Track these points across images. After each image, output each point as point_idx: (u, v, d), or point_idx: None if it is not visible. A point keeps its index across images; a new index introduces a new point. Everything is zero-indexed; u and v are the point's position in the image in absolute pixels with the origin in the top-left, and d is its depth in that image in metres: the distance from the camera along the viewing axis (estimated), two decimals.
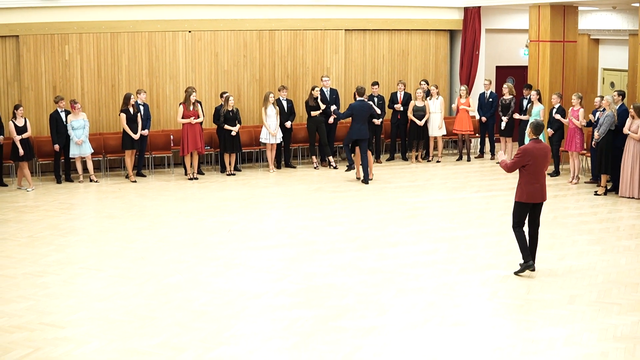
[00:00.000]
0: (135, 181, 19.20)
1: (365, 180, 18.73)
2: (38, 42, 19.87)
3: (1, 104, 19.50)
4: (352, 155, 19.16)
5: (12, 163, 19.04)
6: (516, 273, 11.60)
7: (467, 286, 11.06)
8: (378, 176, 19.46)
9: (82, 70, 20.32)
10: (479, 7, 23.35)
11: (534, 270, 11.52)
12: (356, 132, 18.59)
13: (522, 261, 11.58)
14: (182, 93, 20.00)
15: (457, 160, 22.01)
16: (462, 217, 15.28)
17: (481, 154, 22.54)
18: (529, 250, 11.53)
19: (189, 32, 21.12)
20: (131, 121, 19.13)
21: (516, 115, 20.47)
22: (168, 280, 11.38)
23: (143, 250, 13.04)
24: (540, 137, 11.52)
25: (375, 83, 21.56)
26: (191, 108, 19.24)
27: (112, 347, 8.91)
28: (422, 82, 21.93)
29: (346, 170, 19.64)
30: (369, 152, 18.95)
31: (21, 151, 18.15)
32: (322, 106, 20.58)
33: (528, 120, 19.54)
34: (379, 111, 20.58)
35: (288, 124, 20.47)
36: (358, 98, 18.82)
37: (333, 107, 19.95)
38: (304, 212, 15.82)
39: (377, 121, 20.64)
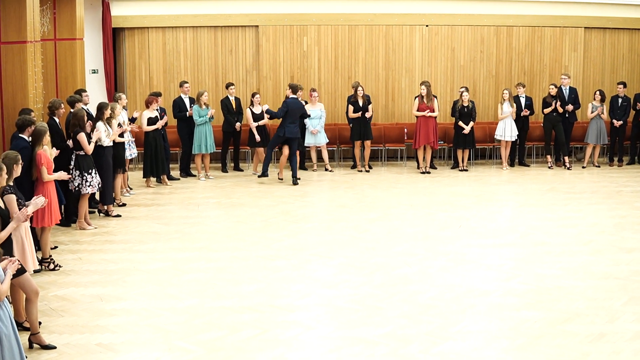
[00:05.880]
0: (368, 171, 19.44)
1: (295, 181, 18.11)
2: (277, 33, 20.47)
3: (240, 92, 20.16)
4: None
5: (248, 149, 19.67)
6: None
7: None
8: (613, 179, 18.84)
9: (320, 61, 20.76)
10: None
11: None
12: (289, 130, 17.95)
13: None
14: (418, 87, 20.00)
15: None
16: None
17: None
18: None
19: (426, 26, 21.15)
20: (357, 112, 19.35)
21: None
22: (397, 272, 11.42)
23: (373, 241, 13.15)
24: None
25: (621, 83, 20.85)
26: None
27: (337, 334, 9.03)
28: None
29: (259, 176, 18.40)
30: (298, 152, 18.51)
31: (257, 137, 18.69)
32: (556, 105, 20.10)
33: None
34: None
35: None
36: (291, 96, 18.16)
37: (265, 107, 18.68)
38: (536, 212, 15.51)
39: (307, 122, 19.29)
